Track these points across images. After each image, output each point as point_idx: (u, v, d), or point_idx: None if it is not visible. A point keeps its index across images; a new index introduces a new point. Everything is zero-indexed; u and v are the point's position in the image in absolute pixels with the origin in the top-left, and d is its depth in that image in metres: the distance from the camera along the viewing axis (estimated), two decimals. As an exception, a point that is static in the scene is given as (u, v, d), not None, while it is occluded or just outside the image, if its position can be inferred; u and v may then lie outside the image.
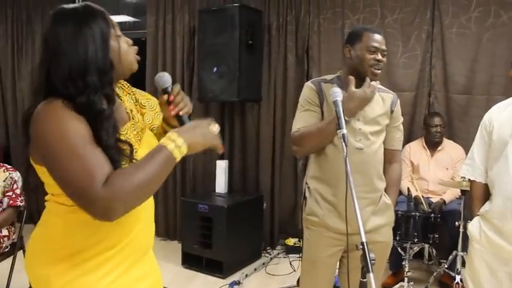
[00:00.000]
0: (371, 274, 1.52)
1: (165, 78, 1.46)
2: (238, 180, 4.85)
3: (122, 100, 1.45)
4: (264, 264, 4.37)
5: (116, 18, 5.64)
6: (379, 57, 2.15)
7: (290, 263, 4.37)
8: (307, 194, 2.33)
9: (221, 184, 4.51)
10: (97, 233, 1.28)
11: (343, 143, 1.76)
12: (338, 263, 2.37)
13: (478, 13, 4.15)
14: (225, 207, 4.07)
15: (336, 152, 2.17)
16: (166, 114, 1.47)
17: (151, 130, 1.53)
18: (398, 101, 2.34)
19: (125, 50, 1.34)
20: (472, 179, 2.41)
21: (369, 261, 1.54)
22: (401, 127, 2.39)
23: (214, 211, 4.09)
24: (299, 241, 4.53)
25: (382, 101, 2.25)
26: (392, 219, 2.36)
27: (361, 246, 1.55)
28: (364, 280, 1.58)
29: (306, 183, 2.35)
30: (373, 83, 2.15)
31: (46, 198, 1.38)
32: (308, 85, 2.30)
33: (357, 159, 2.09)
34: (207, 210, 4.11)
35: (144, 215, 1.41)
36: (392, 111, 2.27)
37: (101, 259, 1.30)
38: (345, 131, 1.80)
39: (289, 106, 4.58)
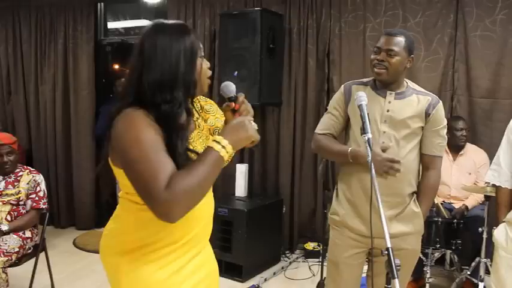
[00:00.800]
0: (396, 280, 1.51)
1: (231, 87, 1.55)
2: (258, 184, 4.84)
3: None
4: (283, 268, 4.35)
5: (136, 23, 5.76)
6: (380, 57, 2.16)
7: (309, 267, 4.35)
8: (334, 194, 2.37)
9: (241, 188, 4.51)
10: (163, 229, 1.42)
11: (368, 147, 1.76)
12: (365, 265, 2.37)
13: (504, 15, 4.09)
14: (245, 211, 4.07)
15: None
16: (229, 119, 1.54)
17: (213, 133, 1.62)
18: (440, 104, 2.26)
19: (204, 70, 1.46)
20: (497, 184, 2.37)
21: (394, 267, 1.53)
22: (443, 132, 2.29)
23: (234, 215, 4.10)
24: (318, 245, 4.51)
25: (416, 103, 2.21)
26: (421, 227, 2.32)
27: (386, 252, 1.55)
28: (389, 286, 1.57)
29: (336, 183, 2.38)
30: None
31: (120, 195, 1.53)
32: (340, 89, 2.36)
33: (373, 164, 2.08)
34: (226, 214, 4.11)
35: (205, 215, 1.55)
36: (428, 115, 2.20)
37: (163, 252, 1.45)
38: (370, 135, 1.81)
39: (310, 110, 4.57)
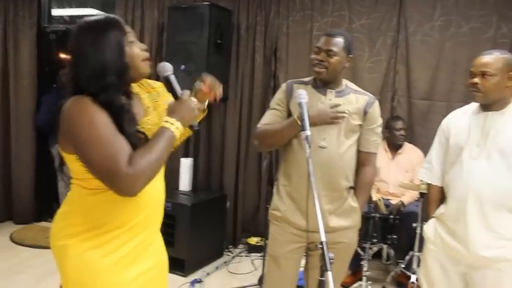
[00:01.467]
0: (329, 273, 1.56)
1: (166, 67, 1.67)
2: (203, 179, 4.86)
3: (140, 98, 1.68)
4: (225, 262, 4.39)
5: (83, 11, 5.61)
6: (319, 56, 2.23)
7: (252, 261, 4.40)
8: (274, 189, 2.41)
9: (185, 182, 4.50)
10: (108, 213, 1.52)
11: (307, 145, 1.82)
12: (303, 260, 2.43)
13: (441, 22, 4.29)
14: (188, 206, 4.07)
15: (299, 150, 2.25)
16: (202, 100, 1.77)
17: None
18: (376, 103, 2.36)
19: (135, 54, 1.55)
20: (429, 182, 2.49)
21: (327, 260, 1.58)
22: (379, 130, 2.39)
23: (177, 209, 4.08)
24: (261, 240, 4.57)
25: (355, 101, 2.29)
26: (358, 222, 2.39)
27: (320, 246, 1.61)
28: (322, 279, 1.61)
29: (276, 179, 2.42)
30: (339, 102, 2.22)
31: (71, 181, 1.60)
32: (282, 87, 2.40)
33: (319, 158, 2.16)
34: (170, 208, 4.08)
35: (152, 200, 1.62)
36: (366, 113, 2.29)
37: (109, 236, 1.53)
38: (308, 132, 1.86)
39: (256, 106, 4.62)
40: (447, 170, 2.36)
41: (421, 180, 3.74)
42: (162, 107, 1.70)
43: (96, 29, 1.51)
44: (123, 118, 1.46)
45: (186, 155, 4.70)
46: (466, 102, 4.28)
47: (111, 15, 1.58)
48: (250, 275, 4.13)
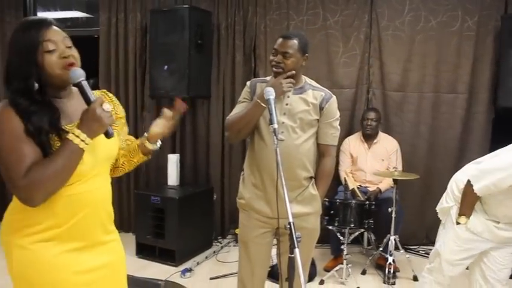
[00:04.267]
0: (296, 250, 1.75)
1: (77, 72, 1.56)
2: (190, 173, 5.05)
3: None
4: (214, 252, 4.59)
5: (68, 14, 5.73)
6: (276, 58, 2.40)
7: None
8: (240, 180, 2.60)
9: (173, 177, 4.70)
10: (43, 212, 1.52)
11: (274, 136, 2.01)
12: (273, 245, 2.62)
13: (411, 17, 4.53)
14: (176, 199, 4.26)
15: (261, 143, 2.44)
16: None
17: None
18: (333, 99, 2.50)
19: (49, 63, 1.51)
20: (477, 192, 2.58)
21: (295, 238, 1.78)
22: (336, 124, 2.51)
23: (166, 203, 4.28)
24: (248, 230, 4.76)
25: (311, 98, 2.46)
26: (319, 208, 2.57)
27: (288, 226, 1.80)
28: (292, 256, 1.80)
29: (242, 169, 2.61)
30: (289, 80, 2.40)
31: None
32: (247, 84, 2.59)
33: (278, 150, 2.32)
34: (159, 202, 4.29)
35: (90, 201, 1.61)
36: (322, 108, 2.46)
37: (50, 234, 1.54)
38: (276, 126, 2.05)
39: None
40: (506, 203, 2.55)
41: (394, 168, 4.01)
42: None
43: (17, 32, 1.52)
44: (29, 121, 1.45)
45: (173, 151, 4.90)
46: (436, 92, 4.61)
47: (40, 19, 1.55)
48: (237, 263, 4.32)
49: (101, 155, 1.64)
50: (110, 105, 1.57)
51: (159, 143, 1.91)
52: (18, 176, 1.41)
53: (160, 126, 1.87)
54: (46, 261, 1.54)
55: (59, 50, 1.53)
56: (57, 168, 1.45)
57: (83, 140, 1.48)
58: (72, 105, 1.60)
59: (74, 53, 1.58)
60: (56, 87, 1.58)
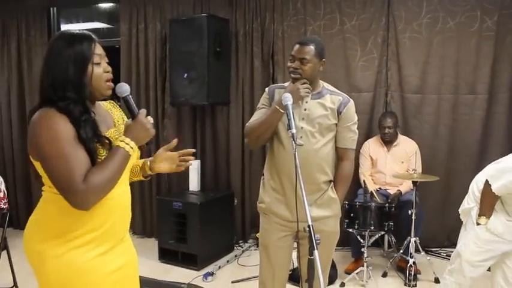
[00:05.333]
0: (316, 251, 1.79)
1: (124, 87, 1.76)
2: (210, 179, 5.12)
3: (112, 112, 1.83)
4: (236, 256, 4.65)
5: (90, 26, 5.88)
6: (294, 64, 2.44)
7: (261, 254, 4.65)
8: (261, 184, 2.65)
9: (194, 183, 4.78)
10: (82, 217, 1.60)
11: (293, 141, 2.07)
12: (293, 248, 2.66)
13: (428, 19, 4.53)
14: (198, 204, 4.34)
15: (280, 148, 2.49)
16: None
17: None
18: (351, 103, 2.54)
19: (96, 75, 1.63)
20: (495, 191, 2.61)
21: (314, 240, 1.82)
22: (354, 128, 2.55)
23: (188, 208, 4.36)
24: (269, 234, 4.80)
25: (329, 102, 2.50)
26: (338, 211, 2.60)
27: (308, 229, 1.84)
28: (311, 257, 1.84)
29: (262, 174, 2.66)
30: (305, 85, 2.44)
31: (43, 188, 1.68)
32: (265, 91, 2.64)
33: (297, 154, 2.36)
34: (181, 207, 4.37)
35: (121, 204, 1.74)
36: (340, 113, 2.49)
37: (86, 239, 1.63)
38: (294, 130, 2.11)
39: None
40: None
41: (414, 170, 4.01)
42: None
43: (65, 43, 1.59)
44: (80, 128, 1.54)
45: (194, 157, 4.95)
46: (455, 94, 4.59)
47: (88, 33, 1.65)
48: (259, 267, 4.37)
49: None
50: (151, 118, 1.74)
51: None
52: (77, 181, 1.48)
53: (167, 165, 2.00)
54: (81, 267, 1.62)
55: (103, 65, 1.66)
56: (112, 173, 1.57)
57: (132, 148, 1.63)
58: (99, 116, 1.69)
59: (111, 69, 1.70)
60: (93, 99, 1.68)
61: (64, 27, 5.97)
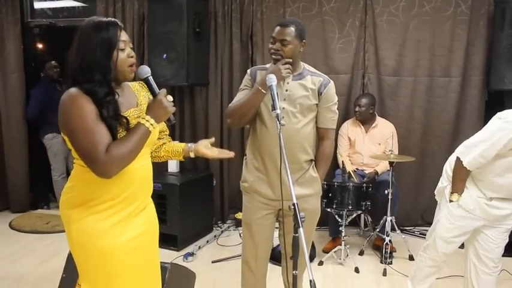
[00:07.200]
0: (301, 229, 1.84)
1: (145, 70, 1.88)
2: (189, 160, 5.06)
3: (138, 93, 1.95)
4: (215, 236, 4.70)
5: (64, 4, 5.73)
6: (275, 46, 2.47)
7: (240, 234, 4.67)
8: (244, 164, 2.69)
9: (173, 164, 4.78)
10: (102, 188, 1.78)
11: (277, 122, 2.10)
12: (275, 227, 2.72)
13: (405, 3, 4.60)
14: (177, 185, 4.35)
15: (262, 128, 2.53)
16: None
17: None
18: (331, 84, 2.57)
19: (121, 60, 1.76)
20: (467, 166, 2.68)
21: (299, 218, 1.87)
22: (334, 108, 2.59)
23: (167, 189, 4.36)
24: (248, 214, 4.86)
25: (310, 83, 2.54)
26: (319, 190, 2.67)
27: (293, 207, 1.89)
28: (296, 235, 1.89)
29: (245, 154, 2.70)
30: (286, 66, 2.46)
31: (74, 161, 1.86)
32: (247, 72, 2.66)
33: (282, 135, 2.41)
34: (160, 188, 4.36)
35: (139, 177, 1.88)
36: (320, 93, 2.53)
37: (104, 206, 1.80)
38: (278, 111, 2.14)
39: (235, 89, 4.83)
40: (502, 173, 2.64)
41: (390, 150, 4.10)
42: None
43: (93, 29, 1.73)
44: (102, 107, 1.69)
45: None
46: (431, 76, 4.68)
47: (114, 20, 1.79)
48: (238, 246, 4.39)
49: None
50: (171, 97, 1.84)
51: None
52: (100, 152, 1.65)
53: (210, 151, 2.21)
54: (99, 231, 1.79)
55: (127, 50, 1.79)
56: (132, 146, 1.73)
57: (151, 124, 1.77)
58: (123, 97, 1.84)
59: (134, 54, 1.84)
60: (117, 81, 1.82)
61: (37, 4, 5.82)
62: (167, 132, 2.23)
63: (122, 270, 1.86)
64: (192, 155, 2.19)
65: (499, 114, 2.67)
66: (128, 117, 1.79)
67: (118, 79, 1.81)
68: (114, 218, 1.82)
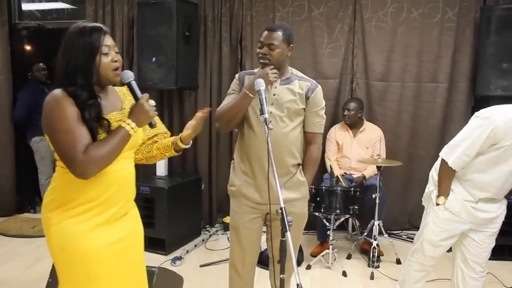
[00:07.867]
0: (288, 233, 1.84)
1: (128, 74, 1.89)
2: (178, 164, 5.12)
3: (123, 98, 1.97)
4: (203, 240, 4.68)
5: (53, 6, 5.69)
6: (263, 50, 2.48)
7: (228, 238, 4.67)
8: (231, 168, 2.69)
9: (161, 167, 4.77)
10: (81, 188, 1.79)
11: (266, 126, 2.11)
12: (263, 231, 2.72)
13: (393, 9, 4.65)
14: (165, 189, 4.34)
15: (250, 133, 2.54)
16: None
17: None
18: (318, 89, 2.59)
19: (104, 64, 1.78)
20: (451, 166, 2.70)
21: (286, 222, 1.88)
22: (322, 113, 2.60)
23: (155, 193, 4.35)
24: (236, 218, 4.86)
25: (298, 88, 2.55)
26: (307, 193, 2.68)
27: (280, 211, 1.89)
28: (283, 239, 1.90)
29: (233, 158, 2.71)
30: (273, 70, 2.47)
31: (56, 163, 1.87)
32: (236, 77, 2.67)
33: (270, 139, 2.39)
34: (148, 192, 4.35)
35: (118, 180, 1.88)
36: (308, 98, 2.55)
37: (83, 208, 1.81)
38: (266, 115, 2.15)
39: (224, 93, 4.73)
40: (485, 170, 2.66)
41: (378, 155, 4.13)
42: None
43: (77, 34, 1.76)
44: (84, 110, 1.72)
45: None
46: (418, 82, 4.73)
47: (99, 25, 1.82)
48: (226, 251, 4.37)
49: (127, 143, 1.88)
50: (153, 101, 1.88)
51: (190, 142, 2.19)
52: (78, 152, 1.67)
53: (190, 129, 2.14)
54: (78, 233, 1.80)
55: (111, 55, 1.81)
56: (111, 148, 1.75)
57: (132, 128, 1.79)
58: (106, 100, 1.86)
59: (120, 58, 1.86)
60: (100, 85, 1.84)
61: (25, 6, 5.79)
62: (168, 134, 2.24)
63: (102, 273, 1.86)
64: (181, 145, 2.15)
65: (476, 113, 2.71)
66: (109, 120, 1.81)
67: (101, 83, 1.83)
68: (93, 220, 1.82)
